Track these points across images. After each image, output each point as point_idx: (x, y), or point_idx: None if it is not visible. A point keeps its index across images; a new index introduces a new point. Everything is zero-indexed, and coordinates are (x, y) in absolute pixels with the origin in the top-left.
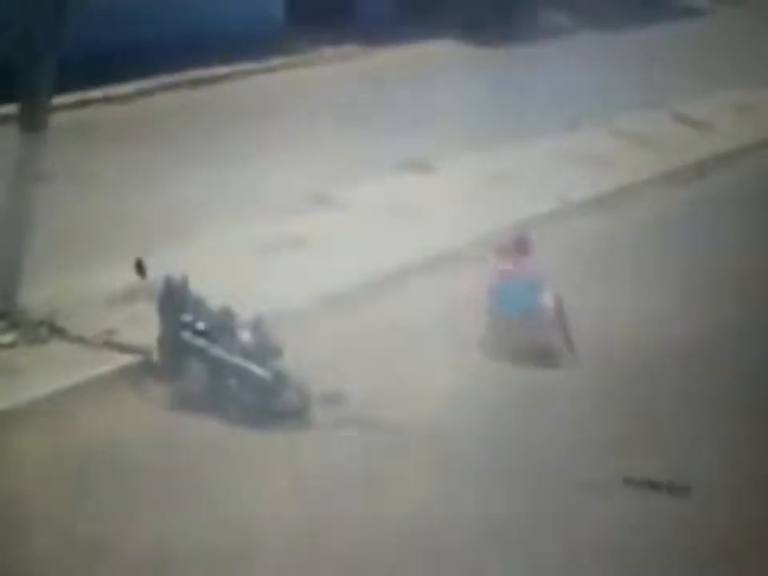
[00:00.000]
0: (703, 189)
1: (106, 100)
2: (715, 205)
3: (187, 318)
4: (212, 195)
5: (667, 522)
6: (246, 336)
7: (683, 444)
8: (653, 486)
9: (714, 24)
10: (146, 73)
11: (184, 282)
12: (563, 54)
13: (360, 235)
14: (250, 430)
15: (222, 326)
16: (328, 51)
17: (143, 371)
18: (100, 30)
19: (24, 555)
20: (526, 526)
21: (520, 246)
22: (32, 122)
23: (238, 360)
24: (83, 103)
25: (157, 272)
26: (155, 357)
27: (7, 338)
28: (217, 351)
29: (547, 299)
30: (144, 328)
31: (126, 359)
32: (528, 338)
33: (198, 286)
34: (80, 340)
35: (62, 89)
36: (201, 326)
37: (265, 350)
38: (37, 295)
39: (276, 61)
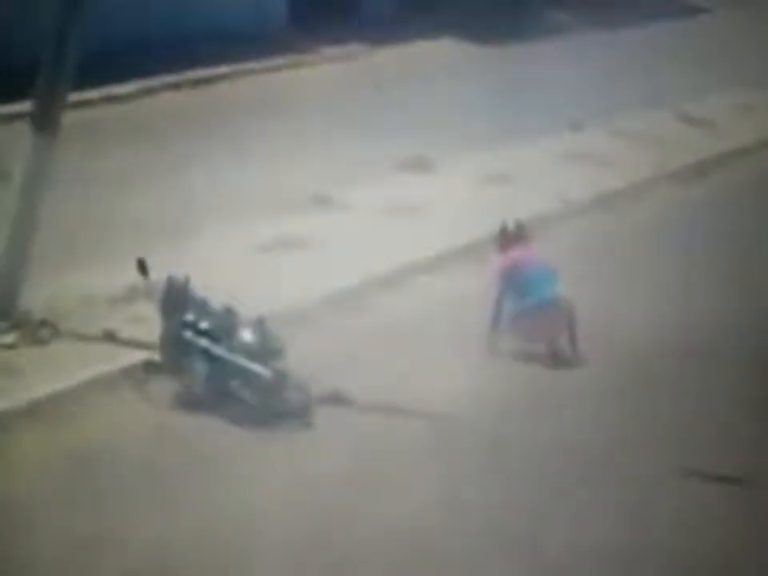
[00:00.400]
0: (705, 188)
1: (107, 99)
2: (716, 204)
3: (189, 317)
4: (213, 195)
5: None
6: (247, 336)
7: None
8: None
9: (715, 23)
10: (146, 72)
11: (186, 282)
12: (564, 53)
13: (361, 235)
14: (252, 430)
15: (224, 326)
16: (329, 50)
17: (145, 371)
18: (100, 29)
19: (24, 557)
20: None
21: (516, 235)
22: (46, 123)
23: (240, 360)
24: (83, 103)
25: (158, 271)
26: (157, 356)
27: (8, 338)
28: (219, 351)
29: (561, 290)
30: (145, 328)
31: (128, 360)
32: (543, 328)
33: (199, 286)
34: (83, 338)
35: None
36: (203, 325)
37: (267, 350)
38: (37, 295)
39: (277, 60)
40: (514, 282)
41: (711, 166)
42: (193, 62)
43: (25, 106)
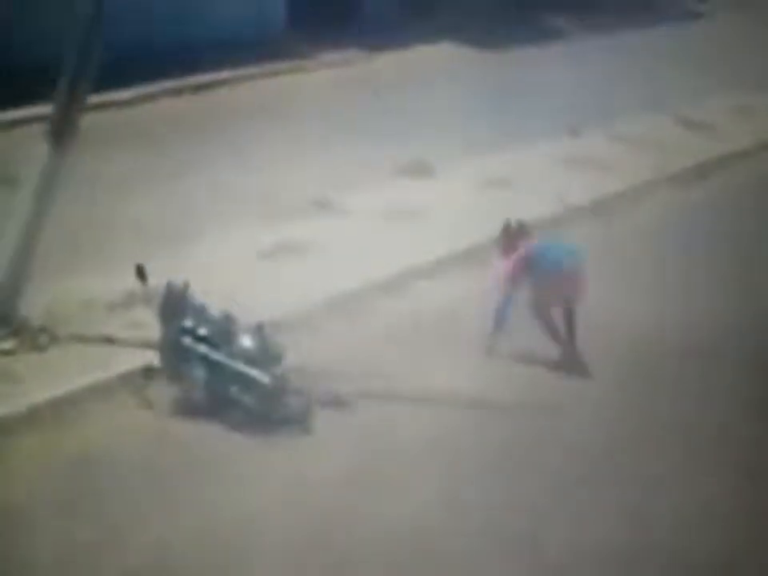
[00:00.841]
0: (704, 191)
1: (106, 105)
2: (716, 207)
3: (188, 323)
4: (213, 200)
5: None
6: (247, 341)
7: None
8: None
9: (713, 27)
10: (146, 78)
11: (185, 288)
12: (563, 57)
13: (361, 240)
14: (252, 435)
15: (223, 332)
16: (329, 56)
17: (144, 377)
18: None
19: (25, 560)
20: None
21: (519, 234)
22: (63, 134)
23: (239, 365)
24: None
25: (157, 277)
26: (156, 362)
27: (7, 344)
28: (218, 357)
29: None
30: (144, 334)
31: (126, 366)
32: (562, 289)
33: (199, 291)
34: (82, 342)
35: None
36: (202, 331)
37: (266, 356)
38: (36, 301)
39: (277, 65)
40: (530, 267)
41: (711, 168)
42: (193, 68)
43: (26, 111)
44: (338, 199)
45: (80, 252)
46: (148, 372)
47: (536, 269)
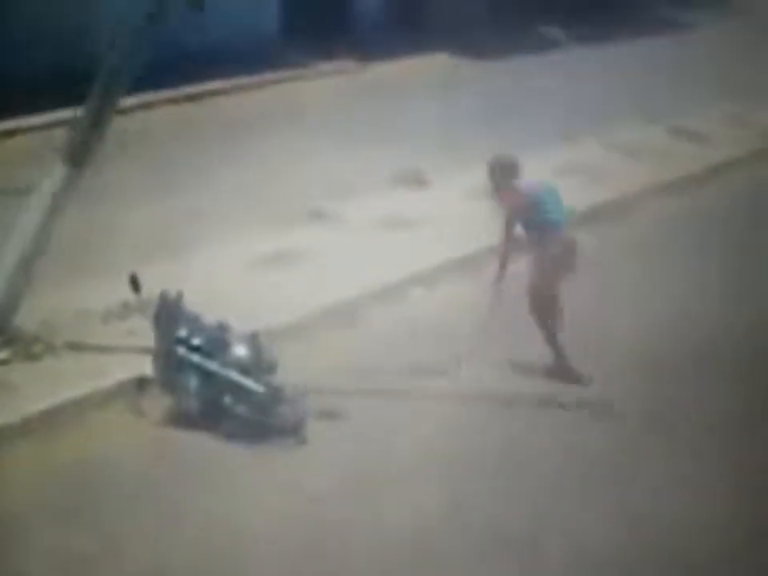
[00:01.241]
0: (698, 200)
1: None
2: (710, 216)
3: (182, 333)
4: (206, 209)
5: None
6: (241, 351)
7: None
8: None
9: (706, 38)
10: (141, 87)
11: (179, 298)
12: (557, 67)
13: (357, 249)
14: (246, 446)
15: (217, 341)
16: (323, 65)
17: (138, 387)
18: (96, 45)
19: (16, 571)
20: None
21: (509, 170)
22: (81, 157)
23: (233, 375)
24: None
25: (152, 287)
26: (150, 372)
27: (1, 354)
28: (212, 366)
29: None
30: (138, 343)
31: (121, 375)
32: (566, 260)
33: (192, 301)
34: (76, 352)
35: (55, 104)
36: (196, 341)
37: (260, 365)
38: (31, 310)
39: (271, 75)
40: (531, 207)
41: (704, 177)
42: (188, 78)
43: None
44: (334, 208)
45: (74, 261)
46: (142, 382)
47: (538, 210)
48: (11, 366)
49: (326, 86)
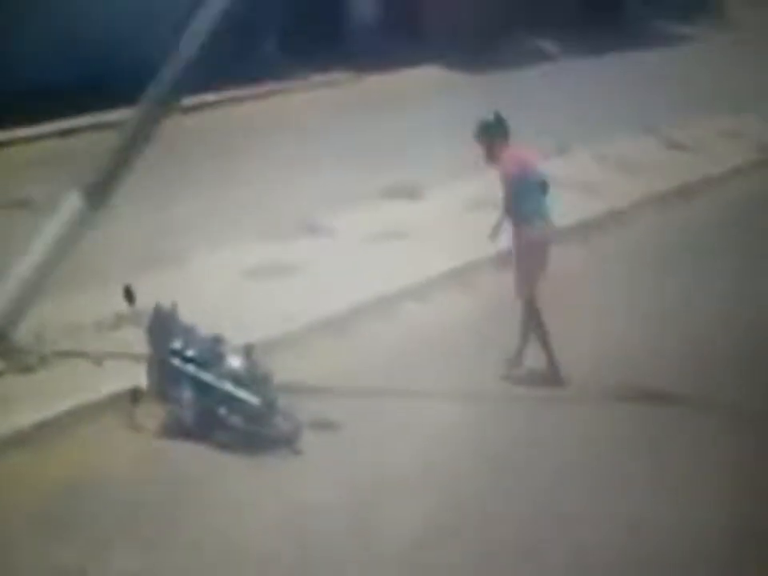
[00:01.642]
0: (689, 212)
1: (95, 127)
2: (701, 227)
3: (176, 344)
4: (198, 222)
5: None
6: (235, 362)
7: None
8: None
9: (700, 50)
10: (134, 99)
11: (173, 309)
12: (549, 80)
13: (348, 261)
14: (240, 457)
15: (212, 353)
16: (316, 77)
17: (132, 399)
18: (91, 57)
19: None
20: None
21: (499, 131)
22: (101, 198)
23: (227, 386)
24: (72, 130)
25: (145, 298)
26: (144, 383)
27: None
28: (206, 378)
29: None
30: (132, 354)
31: (115, 387)
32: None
33: (186, 312)
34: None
35: (50, 116)
36: (190, 352)
37: (255, 377)
38: (25, 322)
39: (265, 87)
40: (523, 173)
41: (696, 189)
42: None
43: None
44: (326, 221)
45: (67, 272)
46: (136, 393)
47: (527, 183)
48: (4, 378)
49: (321, 98)
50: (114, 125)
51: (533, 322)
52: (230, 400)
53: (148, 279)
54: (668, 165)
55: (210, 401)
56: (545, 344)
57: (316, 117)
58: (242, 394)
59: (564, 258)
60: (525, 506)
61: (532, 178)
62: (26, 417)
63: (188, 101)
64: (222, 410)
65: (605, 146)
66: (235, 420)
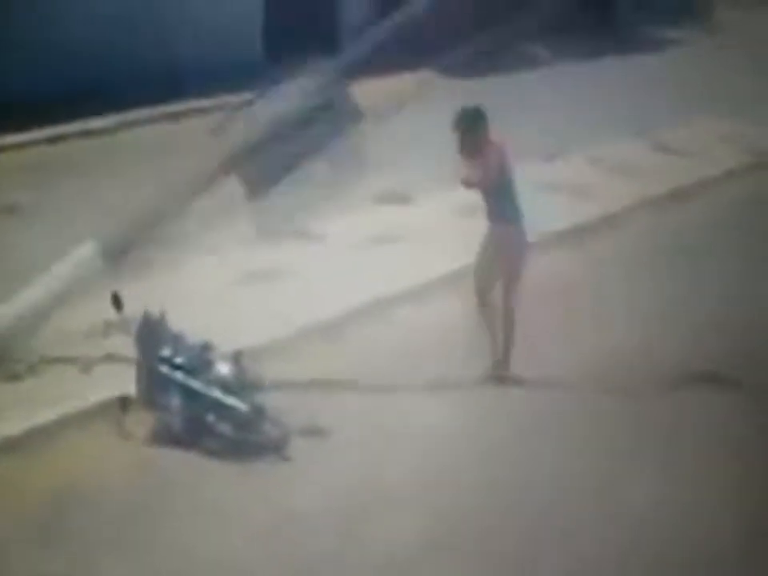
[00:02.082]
0: (683, 215)
1: (83, 134)
2: (694, 231)
3: (165, 352)
4: (190, 226)
5: None
6: (224, 369)
7: None
8: None
9: (691, 54)
10: (123, 106)
11: (162, 317)
12: (542, 84)
13: (339, 267)
14: (229, 464)
15: (201, 360)
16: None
17: (120, 406)
18: (79, 64)
19: None
20: None
21: (476, 120)
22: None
23: (216, 394)
24: (60, 137)
25: (133, 305)
26: (133, 391)
27: None
28: (195, 385)
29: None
30: (122, 362)
31: (103, 395)
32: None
33: (175, 318)
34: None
35: (36, 124)
36: (179, 359)
37: (244, 384)
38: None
39: (255, 93)
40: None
41: (689, 192)
42: (171, 96)
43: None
44: (316, 226)
45: None
46: (124, 401)
47: (506, 179)
48: None
49: None
50: (102, 132)
51: (507, 319)
52: (219, 407)
53: (136, 286)
54: (661, 168)
55: (198, 408)
56: (507, 340)
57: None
58: (230, 400)
59: (558, 261)
60: (523, 519)
61: (510, 175)
62: (15, 425)
63: (176, 107)
64: (211, 417)
65: (598, 149)
66: (224, 427)
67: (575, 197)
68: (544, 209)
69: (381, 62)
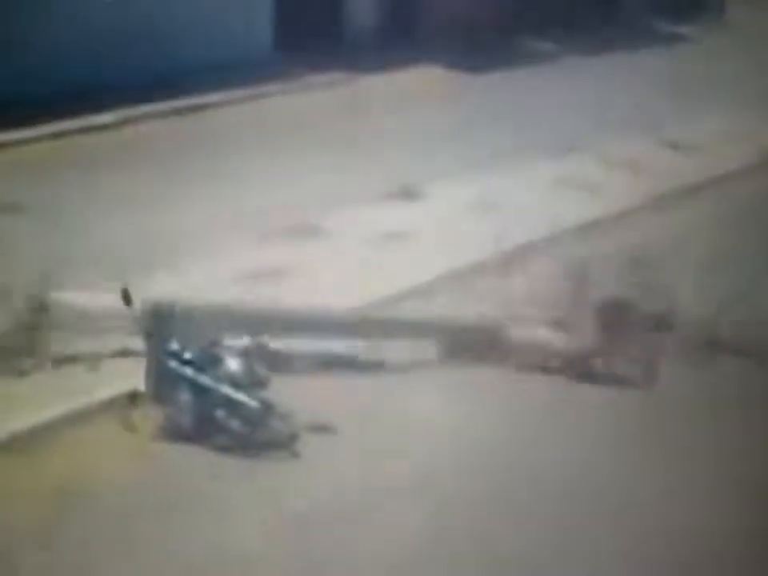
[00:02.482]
0: (690, 213)
1: (91, 129)
2: (704, 228)
3: (174, 346)
4: (196, 223)
5: None
6: (233, 365)
7: None
8: None
9: (701, 51)
10: (133, 100)
11: (171, 311)
12: (550, 80)
13: (347, 262)
14: (238, 460)
15: (210, 355)
16: (316, 78)
17: (129, 401)
18: (87, 58)
19: None
20: None
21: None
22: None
23: (225, 389)
24: (67, 132)
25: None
26: (141, 387)
27: None
28: (204, 380)
29: None
30: (130, 358)
31: (111, 390)
32: None
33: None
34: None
35: (44, 119)
36: (188, 355)
37: (252, 380)
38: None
39: (263, 88)
40: None
41: (698, 190)
42: (179, 90)
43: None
44: (326, 222)
45: (62, 276)
46: (133, 396)
47: None
48: (1, 380)
49: (319, 99)
50: (104, 127)
51: None
52: (228, 403)
53: (142, 282)
54: (669, 166)
55: (207, 403)
56: None
57: (314, 118)
58: (240, 396)
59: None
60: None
61: None
62: (21, 421)
63: (185, 102)
64: (220, 413)
65: (607, 146)
66: (233, 423)
67: (585, 193)
68: (555, 205)
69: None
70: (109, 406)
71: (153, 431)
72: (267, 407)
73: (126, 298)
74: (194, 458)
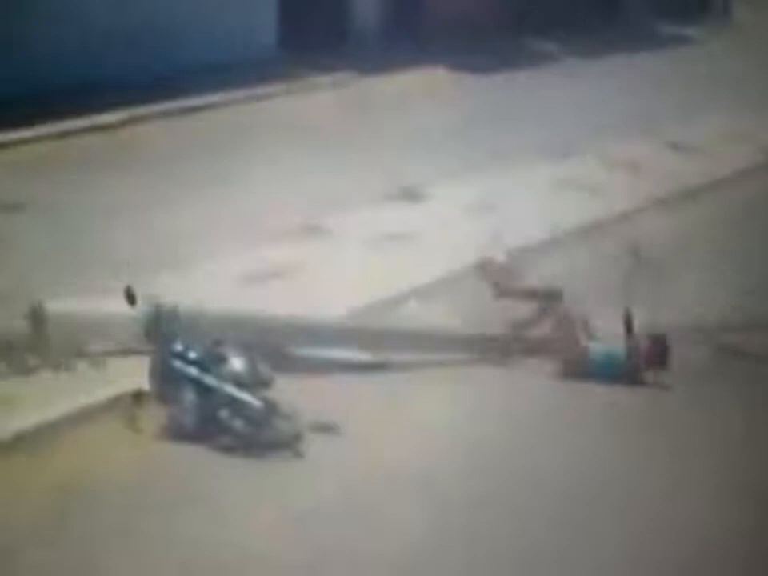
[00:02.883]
0: (694, 214)
1: (94, 128)
2: (706, 229)
3: (179, 346)
4: (199, 224)
5: None
6: (237, 365)
7: None
8: None
9: (702, 53)
10: (136, 100)
11: (174, 311)
12: (553, 81)
13: (350, 264)
14: (242, 460)
15: (214, 355)
16: (320, 78)
17: (134, 401)
18: (88, 58)
19: None
20: None
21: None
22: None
23: (229, 389)
24: (71, 132)
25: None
26: (146, 386)
27: None
28: (208, 380)
29: None
30: (134, 358)
31: (116, 389)
32: None
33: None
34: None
35: (44, 119)
36: (192, 354)
37: (256, 379)
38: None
39: (268, 88)
40: None
41: (700, 191)
42: (183, 90)
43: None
44: (327, 223)
45: (67, 275)
46: (138, 396)
47: None
48: (6, 379)
49: (322, 99)
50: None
51: None
52: (232, 402)
53: (146, 284)
54: (673, 167)
55: (211, 403)
56: None
57: (318, 118)
58: (243, 396)
59: (568, 260)
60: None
61: None
62: (27, 419)
63: (189, 102)
64: (224, 413)
65: (608, 147)
66: (237, 423)
67: (587, 194)
68: (557, 206)
69: (389, 59)
70: (113, 405)
71: (157, 431)
72: (271, 407)
73: (130, 297)
74: (198, 458)
